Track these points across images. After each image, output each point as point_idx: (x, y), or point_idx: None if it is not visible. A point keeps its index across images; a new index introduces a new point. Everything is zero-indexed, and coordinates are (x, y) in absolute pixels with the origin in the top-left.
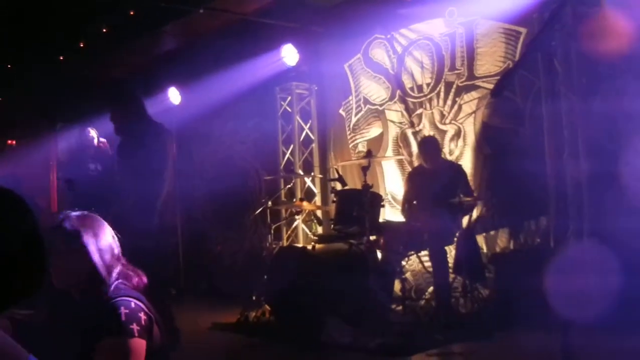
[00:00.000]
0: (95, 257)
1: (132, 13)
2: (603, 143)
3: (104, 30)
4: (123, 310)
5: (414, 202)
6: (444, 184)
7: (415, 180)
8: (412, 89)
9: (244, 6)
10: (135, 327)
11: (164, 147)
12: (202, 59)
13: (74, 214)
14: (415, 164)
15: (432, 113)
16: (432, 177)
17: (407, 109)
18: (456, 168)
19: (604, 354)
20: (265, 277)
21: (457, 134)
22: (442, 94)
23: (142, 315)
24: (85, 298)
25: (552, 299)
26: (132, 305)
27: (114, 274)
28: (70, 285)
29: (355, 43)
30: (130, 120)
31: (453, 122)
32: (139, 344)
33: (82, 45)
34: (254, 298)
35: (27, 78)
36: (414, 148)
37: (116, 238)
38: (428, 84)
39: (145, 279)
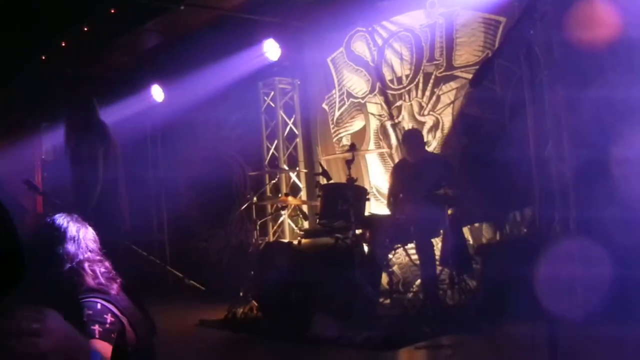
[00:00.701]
0: (80, 257)
1: (113, 11)
2: (588, 132)
3: (86, 29)
4: (86, 311)
5: (400, 195)
6: (428, 176)
7: (399, 173)
8: (391, 81)
9: (225, 2)
10: (97, 328)
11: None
12: (185, 55)
13: (61, 214)
14: (395, 156)
15: (411, 105)
16: (417, 170)
17: (386, 101)
18: (440, 160)
19: (589, 345)
20: (252, 273)
21: (436, 125)
22: (420, 85)
23: (109, 317)
24: (65, 297)
25: (539, 290)
26: (98, 306)
27: (96, 273)
28: (55, 283)
29: (337, 36)
30: (79, 124)
31: (431, 113)
32: (101, 346)
33: (64, 45)
34: (241, 294)
35: (10, 78)
36: (393, 140)
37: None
38: (407, 76)
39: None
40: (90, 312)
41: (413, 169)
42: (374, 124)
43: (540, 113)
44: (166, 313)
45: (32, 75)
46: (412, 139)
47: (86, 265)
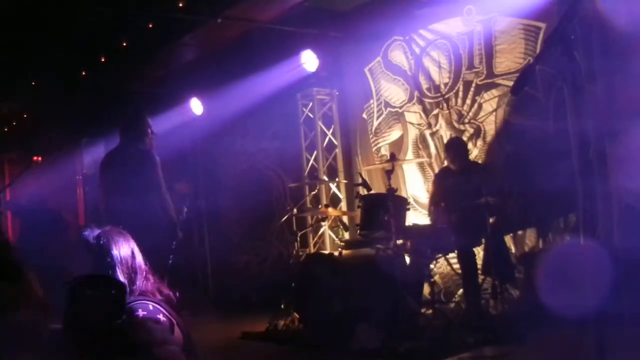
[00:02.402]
0: (119, 270)
1: (150, 26)
2: (632, 135)
3: (124, 44)
4: (141, 312)
5: (441, 204)
6: (471, 184)
7: (441, 182)
8: (428, 89)
9: (261, 14)
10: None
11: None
12: (222, 68)
13: (102, 228)
14: (435, 165)
15: (449, 113)
16: (459, 179)
17: (424, 109)
18: (482, 168)
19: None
20: (293, 284)
21: (477, 134)
22: (460, 93)
23: (161, 317)
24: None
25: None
26: (150, 307)
27: (137, 285)
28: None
29: (374, 46)
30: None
31: (472, 121)
32: None
33: (102, 60)
34: (282, 306)
35: (50, 94)
36: (433, 150)
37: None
38: (446, 84)
39: (169, 292)
40: (145, 312)
41: (455, 178)
42: (412, 133)
43: (583, 119)
44: (209, 325)
45: (72, 91)
46: (455, 148)
47: (132, 275)
